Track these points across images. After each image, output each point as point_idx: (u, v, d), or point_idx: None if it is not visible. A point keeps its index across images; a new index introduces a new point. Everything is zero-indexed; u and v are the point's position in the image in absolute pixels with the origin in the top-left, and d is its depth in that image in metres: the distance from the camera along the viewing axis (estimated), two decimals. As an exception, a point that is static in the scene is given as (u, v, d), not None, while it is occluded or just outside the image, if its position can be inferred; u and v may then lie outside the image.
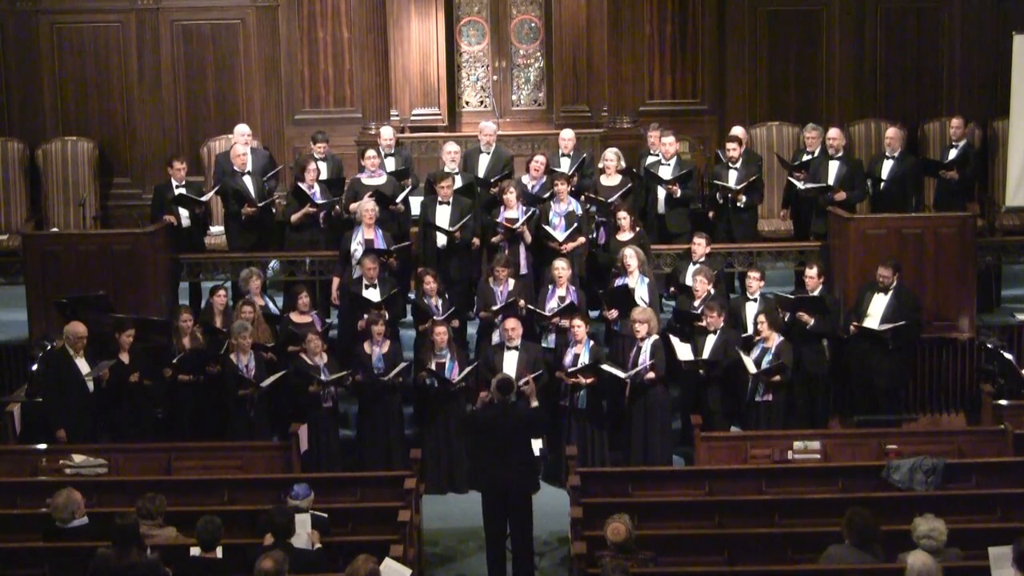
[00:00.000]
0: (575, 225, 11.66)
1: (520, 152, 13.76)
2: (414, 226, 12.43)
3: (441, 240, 11.86)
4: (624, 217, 11.74)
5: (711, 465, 9.98)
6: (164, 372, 10.76)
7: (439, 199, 11.88)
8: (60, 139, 14.76)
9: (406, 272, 12.16)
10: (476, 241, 12.02)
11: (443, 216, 11.87)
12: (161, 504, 8.28)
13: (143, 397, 10.72)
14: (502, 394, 9.37)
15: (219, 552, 7.82)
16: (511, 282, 11.36)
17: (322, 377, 10.62)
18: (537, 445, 9.62)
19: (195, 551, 7.84)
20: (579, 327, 10.76)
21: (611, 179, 12.34)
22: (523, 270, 11.83)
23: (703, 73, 14.98)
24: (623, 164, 12.50)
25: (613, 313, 11.23)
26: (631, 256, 11.23)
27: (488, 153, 12.71)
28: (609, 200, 11.95)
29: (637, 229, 11.82)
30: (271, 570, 7.05)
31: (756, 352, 10.78)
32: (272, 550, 7.42)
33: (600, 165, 12.53)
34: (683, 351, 10.85)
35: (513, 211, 11.78)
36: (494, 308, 11.18)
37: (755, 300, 11.23)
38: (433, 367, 10.82)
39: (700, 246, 11.66)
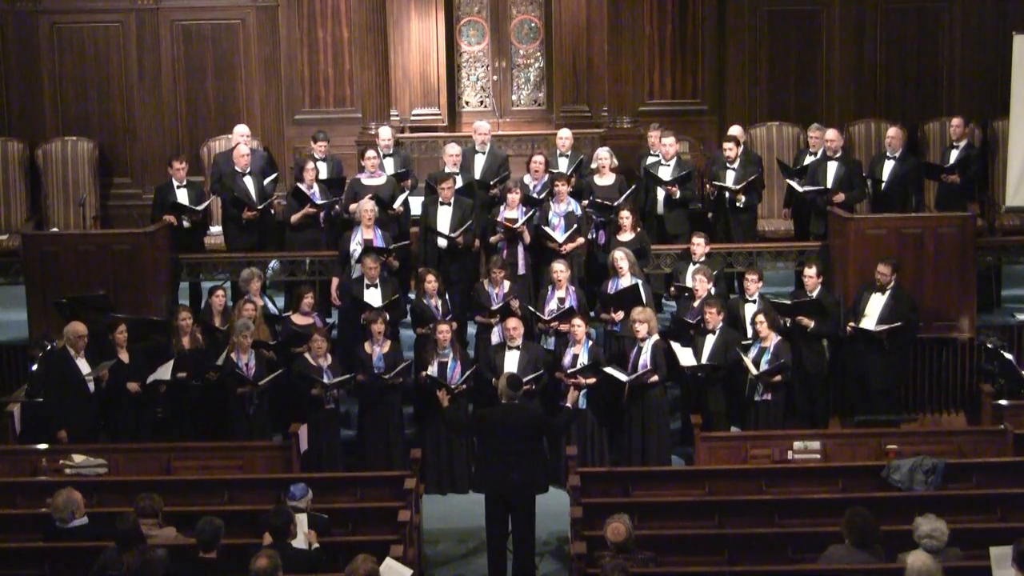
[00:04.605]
0: (575, 226, 11.66)
1: (520, 152, 13.76)
2: (414, 226, 12.43)
3: (442, 241, 11.86)
4: (626, 217, 11.75)
5: (711, 465, 9.98)
6: (160, 387, 10.74)
7: (440, 200, 11.88)
8: (60, 139, 14.76)
9: (406, 272, 12.16)
10: (476, 242, 12.03)
11: (444, 217, 11.86)
12: (158, 503, 8.27)
13: (143, 397, 10.72)
14: (512, 391, 9.36)
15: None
16: (507, 284, 11.37)
17: (325, 380, 10.62)
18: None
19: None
20: (579, 327, 10.76)
21: (606, 179, 12.34)
22: (521, 270, 11.84)
23: (703, 73, 14.98)
24: (616, 162, 12.50)
25: (620, 315, 11.20)
26: (621, 259, 11.24)
27: (484, 153, 12.70)
28: (615, 204, 11.95)
29: (638, 229, 11.84)
30: (265, 568, 7.04)
31: (754, 352, 10.79)
32: (267, 549, 7.41)
33: (594, 165, 12.53)
34: (684, 356, 10.85)
35: (513, 211, 11.79)
36: (491, 309, 11.19)
37: (753, 301, 11.23)
38: (436, 366, 10.82)
39: (699, 246, 11.67)
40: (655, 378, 10.68)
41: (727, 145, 12.60)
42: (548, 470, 9.90)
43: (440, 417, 10.76)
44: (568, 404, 10.45)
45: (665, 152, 12.61)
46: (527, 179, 12.35)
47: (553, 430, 9.92)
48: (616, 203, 11.97)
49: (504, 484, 9.26)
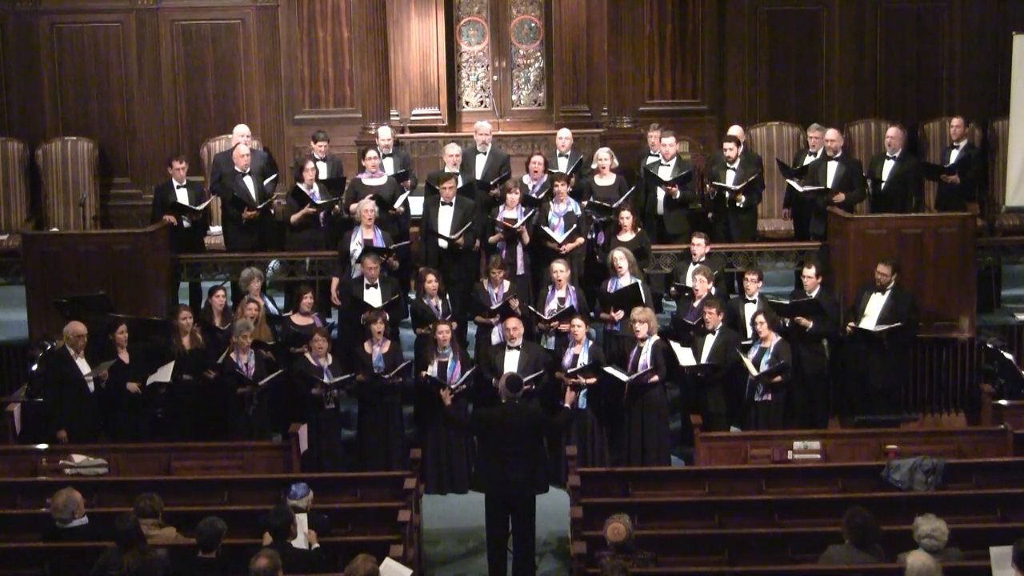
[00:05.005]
0: (574, 226, 11.66)
1: (520, 152, 13.76)
2: (414, 226, 12.43)
3: (443, 241, 11.85)
4: (626, 217, 11.75)
5: (711, 465, 9.98)
6: (159, 389, 10.74)
7: (441, 200, 11.87)
8: (60, 139, 14.75)
9: (406, 272, 12.16)
10: (476, 242, 12.02)
11: (446, 217, 11.85)
12: (158, 503, 8.27)
13: (143, 397, 10.72)
14: (511, 391, 9.36)
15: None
16: (506, 284, 11.37)
17: (325, 379, 10.62)
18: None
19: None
20: (579, 327, 10.76)
21: (606, 179, 12.34)
22: (520, 270, 11.84)
23: (703, 73, 14.97)
24: (616, 163, 12.50)
25: (619, 314, 11.20)
26: (621, 258, 11.24)
27: (485, 153, 12.69)
28: (614, 205, 11.95)
29: (638, 229, 11.84)
30: (265, 568, 7.04)
31: (754, 352, 10.79)
32: (267, 549, 7.41)
33: (594, 165, 12.52)
34: (684, 356, 10.85)
35: (512, 211, 11.78)
36: (491, 309, 11.19)
37: (753, 301, 11.23)
38: (435, 366, 10.82)
39: (699, 246, 11.67)
40: (655, 378, 10.68)
41: (727, 145, 12.60)
42: (548, 470, 9.90)
43: (441, 417, 10.76)
44: (567, 405, 10.45)
45: (665, 152, 12.61)
46: (526, 179, 12.35)
47: (553, 430, 9.91)
48: (614, 204, 11.97)
49: (504, 484, 9.26)
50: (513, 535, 9.37)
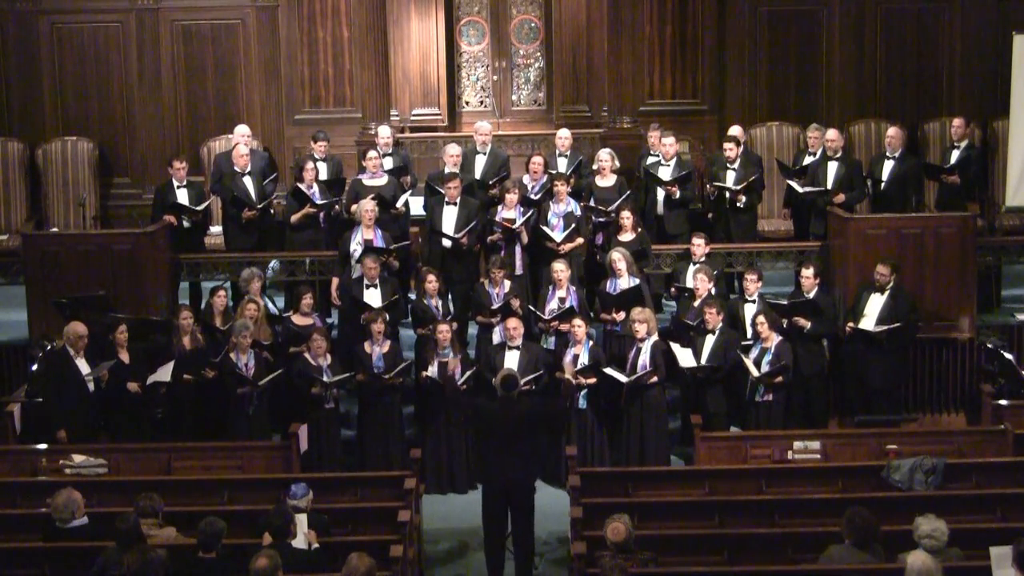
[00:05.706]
0: (573, 226, 11.66)
1: (520, 152, 13.77)
2: (414, 226, 12.42)
3: (446, 241, 11.84)
4: (627, 218, 11.75)
5: (711, 465, 9.98)
6: (160, 389, 10.74)
7: (447, 200, 11.87)
8: (60, 139, 14.76)
9: (406, 272, 12.16)
10: (476, 243, 12.03)
11: (450, 216, 11.84)
12: (158, 503, 8.27)
13: (143, 397, 10.72)
14: (506, 390, 9.37)
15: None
16: (507, 284, 11.37)
17: (324, 379, 10.62)
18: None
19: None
20: (579, 327, 10.76)
21: (606, 180, 12.33)
22: (518, 271, 11.84)
23: (703, 73, 14.97)
24: (617, 164, 12.49)
25: (621, 315, 11.19)
26: (619, 259, 11.24)
27: (484, 154, 12.69)
28: (610, 209, 11.94)
29: (638, 230, 11.84)
30: (265, 568, 7.05)
31: (755, 352, 10.78)
32: (267, 549, 7.41)
33: (595, 166, 12.52)
34: (684, 357, 10.85)
35: (511, 211, 11.78)
36: (491, 308, 11.19)
37: (753, 301, 11.23)
38: (436, 366, 10.82)
39: (699, 246, 11.66)
40: (655, 379, 10.67)
41: (727, 145, 12.60)
42: (546, 462, 9.91)
43: (445, 415, 10.77)
44: (568, 377, 10.42)
45: (665, 152, 12.61)
46: (525, 179, 12.35)
47: (554, 415, 9.90)
48: (610, 208, 11.96)
49: (501, 477, 9.27)
50: (512, 531, 9.37)
